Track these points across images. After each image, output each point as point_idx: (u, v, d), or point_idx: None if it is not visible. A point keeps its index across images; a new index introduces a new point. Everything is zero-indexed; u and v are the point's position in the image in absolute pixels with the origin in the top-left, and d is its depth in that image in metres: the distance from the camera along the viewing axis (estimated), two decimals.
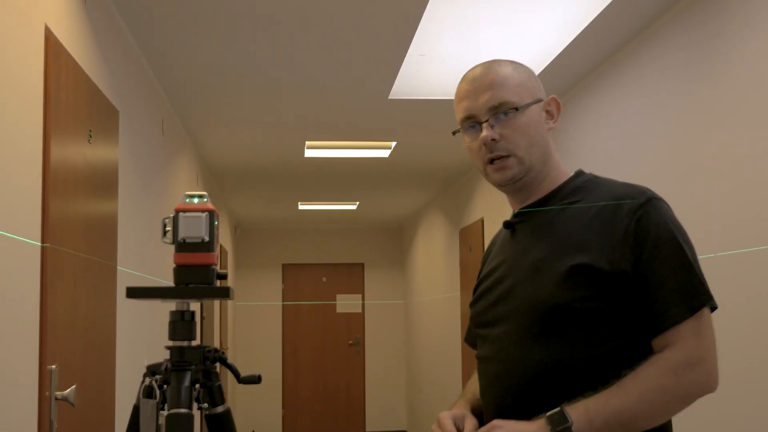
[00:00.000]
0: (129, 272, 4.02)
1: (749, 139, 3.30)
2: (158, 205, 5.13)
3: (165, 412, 1.62)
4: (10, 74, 2.52)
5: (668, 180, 4.01)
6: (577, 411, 1.60)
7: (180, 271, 1.66)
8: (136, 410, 1.70)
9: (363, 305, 12.81)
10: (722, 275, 3.49)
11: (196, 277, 1.65)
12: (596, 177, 1.86)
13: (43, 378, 2.70)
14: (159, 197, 5.18)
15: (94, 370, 3.29)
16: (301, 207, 10.62)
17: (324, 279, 12.81)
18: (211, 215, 1.67)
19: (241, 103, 5.62)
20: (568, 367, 1.69)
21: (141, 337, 4.49)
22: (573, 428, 1.59)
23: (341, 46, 4.48)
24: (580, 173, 1.88)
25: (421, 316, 11.06)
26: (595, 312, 1.67)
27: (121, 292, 3.84)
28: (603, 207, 1.74)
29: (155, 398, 1.67)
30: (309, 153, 7.24)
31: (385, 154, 7.31)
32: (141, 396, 1.68)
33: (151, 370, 1.70)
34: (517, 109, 1.78)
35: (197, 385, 1.70)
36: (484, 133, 1.78)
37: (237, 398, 12.26)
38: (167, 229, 1.67)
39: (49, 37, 2.81)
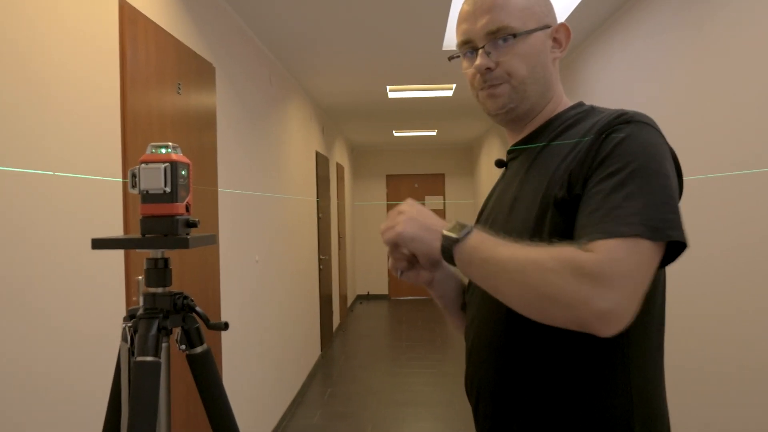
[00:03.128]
0: (229, 191, 3.58)
1: (734, 77, 2.57)
2: (268, 138, 4.67)
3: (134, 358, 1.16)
4: (86, 40, 2.07)
5: (668, 109, 3.28)
6: (476, 238, 1.04)
7: (145, 221, 1.17)
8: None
9: (444, 203, 12.32)
10: (719, 195, 2.81)
11: (160, 227, 1.16)
12: (592, 107, 1.20)
13: (129, 289, 2.29)
14: (269, 132, 4.71)
15: (198, 282, 2.88)
16: (395, 134, 10.07)
17: (416, 185, 12.36)
18: (174, 166, 1.16)
19: (336, 57, 5.04)
20: (527, 321, 1.09)
21: (246, 245, 4.07)
22: (453, 249, 1.05)
23: (402, 13, 3.84)
24: (578, 105, 1.22)
25: None
26: None
27: (222, 208, 3.41)
28: (579, 141, 1.10)
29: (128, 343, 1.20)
30: (391, 95, 6.63)
31: (449, 93, 6.61)
32: (121, 340, 1.22)
33: (130, 314, 1.23)
34: (515, 35, 1.15)
35: (176, 329, 1.23)
36: (479, 61, 1.17)
37: (357, 270, 12.10)
38: (136, 180, 1.18)
39: (123, 6, 2.31)
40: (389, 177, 12.38)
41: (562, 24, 1.21)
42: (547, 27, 1.19)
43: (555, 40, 1.21)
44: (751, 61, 2.45)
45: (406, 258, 1.20)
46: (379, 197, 12.37)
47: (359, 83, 6.07)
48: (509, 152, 1.29)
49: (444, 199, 12.32)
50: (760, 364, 2.43)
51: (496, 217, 1.22)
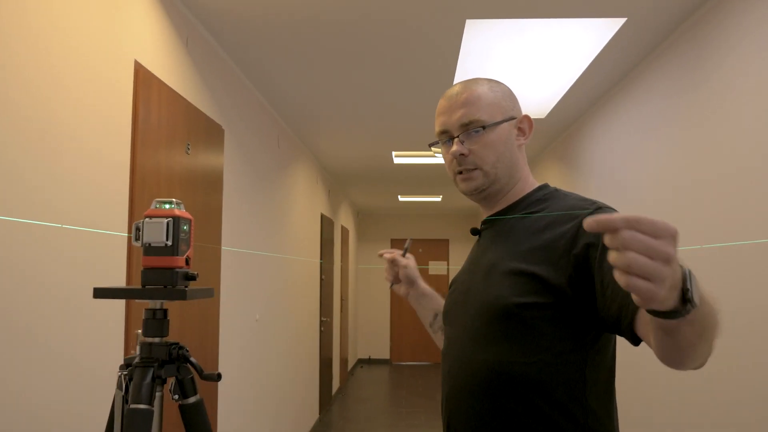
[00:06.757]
0: (232, 250, 3.63)
1: (721, 154, 2.65)
2: (274, 199, 4.76)
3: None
4: (101, 99, 2.18)
5: (658, 187, 3.36)
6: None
7: (146, 273, 1.22)
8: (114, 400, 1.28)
9: (448, 269, 12.34)
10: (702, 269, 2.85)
11: (160, 279, 1.21)
12: (557, 190, 1.40)
13: (128, 341, 2.32)
14: (275, 193, 4.81)
15: (196, 332, 2.91)
16: (400, 199, 10.19)
17: (420, 250, 12.41)
18: (176, 221, 1.22)
19: (343, 122, 5.19)
20: (508, 370, 1.23)
21: (247, 303, 4.10)
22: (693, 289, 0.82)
23: (409, 82, 3.99)
24: (543, 186, 1.41)
25: None
26: (537, 318, 1.21)
27: (225, 266, 3.46)
28: (556, 218, 1.27)
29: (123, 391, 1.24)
30: (396, 160, 6.76)
31: None
32: (116, 387, 1.25)
33: (126, 363, 1.27)
34: (484, 127, 1.35)
35: (171, 378, 1.27)
36: (454, 147, 1.37)
37: (359, 333, 12.03)
38: (139, 233, 1.24)
39: (139, 70, 2.42)
40: (393, 241, 12.45)
41: (525, 116, 1.41)
42: (512, 119, 1.38)
43: (519, 129, 1.40)
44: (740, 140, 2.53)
45: (395, 274, 1.65)
46: (382, 261, 12.41)
47: (365, 148, 6.20)
48: (484, 222, 1.45)
49: (448, 265, 12.34)
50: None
51: (472, 285, 1.36)
